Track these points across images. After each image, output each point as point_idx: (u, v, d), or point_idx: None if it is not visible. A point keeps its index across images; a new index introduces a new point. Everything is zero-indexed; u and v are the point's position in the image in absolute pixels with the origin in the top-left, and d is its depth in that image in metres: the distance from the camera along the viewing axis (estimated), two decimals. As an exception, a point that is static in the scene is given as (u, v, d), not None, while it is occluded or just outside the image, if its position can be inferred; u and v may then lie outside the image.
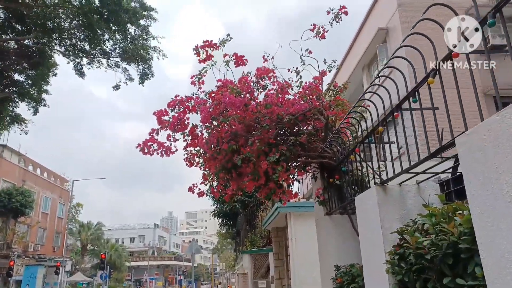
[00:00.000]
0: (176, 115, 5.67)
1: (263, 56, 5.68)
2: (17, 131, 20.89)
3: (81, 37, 17.89)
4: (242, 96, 5.40)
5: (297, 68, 5.60)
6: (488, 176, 2.04)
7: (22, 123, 20.67)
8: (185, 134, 5.67)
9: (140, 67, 18.05)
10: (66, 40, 18.30)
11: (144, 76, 18.45)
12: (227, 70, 5.64)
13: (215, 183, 6.17)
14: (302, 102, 5.51)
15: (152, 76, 18.40)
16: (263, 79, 5.61)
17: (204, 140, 5.46)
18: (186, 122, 5.74)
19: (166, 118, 5.76)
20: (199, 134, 5.69)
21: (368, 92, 4.06)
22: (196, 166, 6.05)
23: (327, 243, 5.79)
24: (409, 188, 3.66)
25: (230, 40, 5.42)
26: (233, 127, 5.40)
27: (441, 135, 2.74)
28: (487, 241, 2.00)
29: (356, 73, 17.99)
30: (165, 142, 5.76)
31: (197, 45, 5.66)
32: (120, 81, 19.22)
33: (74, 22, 17.66)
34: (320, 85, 5.66)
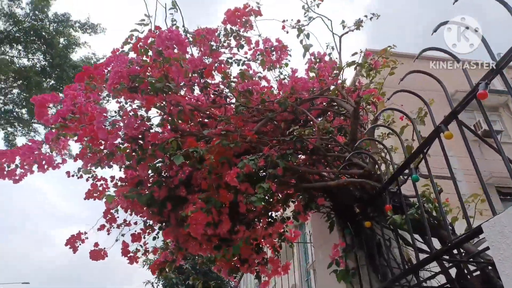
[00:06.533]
0: (68, 96, 2.95)
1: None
2: None
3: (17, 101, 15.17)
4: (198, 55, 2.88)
5: (298, 22, 3.23)
6: None
7: None
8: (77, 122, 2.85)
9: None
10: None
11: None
12: (174, 23, 3.19)
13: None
14: (308, 79, 3.06)
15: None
16: (238, 37, 3.15)
17: (108, 125, 2.68)
18: (88, 109, 3.00)
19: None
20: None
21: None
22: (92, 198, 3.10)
23: None
24: None
25: None
26: (173, 105, 2.73)
27: None
28: None
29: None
30: (34, 148, 2.91)
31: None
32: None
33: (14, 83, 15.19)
34: (337, 57, 3.29)
